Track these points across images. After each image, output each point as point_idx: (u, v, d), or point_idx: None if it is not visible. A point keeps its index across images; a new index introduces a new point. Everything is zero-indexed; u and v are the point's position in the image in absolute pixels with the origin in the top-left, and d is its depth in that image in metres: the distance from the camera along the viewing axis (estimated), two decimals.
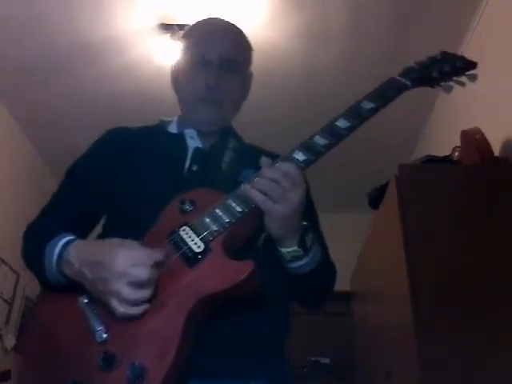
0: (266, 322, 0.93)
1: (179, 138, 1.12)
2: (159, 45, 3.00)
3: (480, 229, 1.77)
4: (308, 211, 0.97)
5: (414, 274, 1.72)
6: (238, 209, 0.89)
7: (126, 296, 0.81)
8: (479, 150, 2.03)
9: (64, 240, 0.93)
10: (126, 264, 0.82)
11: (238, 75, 1.13)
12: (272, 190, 0.87)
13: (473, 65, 1.08)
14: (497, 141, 2.20)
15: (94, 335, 0.82)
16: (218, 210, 0.90)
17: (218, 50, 1.09)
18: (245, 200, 0.89)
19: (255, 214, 0.90)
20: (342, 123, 0.96)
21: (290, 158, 0.92)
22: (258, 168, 0.92)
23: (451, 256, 1.73)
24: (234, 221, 0.89)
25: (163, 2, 2.76)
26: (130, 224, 0.94)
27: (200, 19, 1.21)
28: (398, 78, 1.05)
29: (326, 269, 1.04)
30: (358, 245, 2.70)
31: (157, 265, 0.84)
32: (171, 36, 2.91)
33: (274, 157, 0.94)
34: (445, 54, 1.10)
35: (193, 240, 0.88)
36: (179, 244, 0.89)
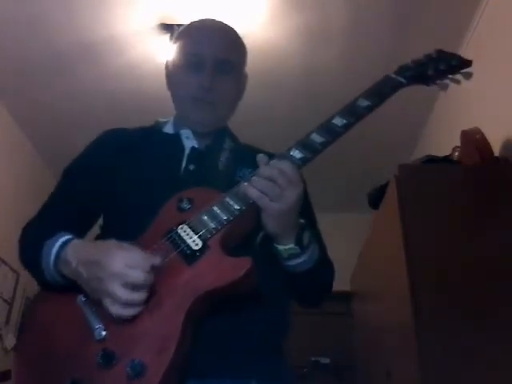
0: (264, 321, 0.93)
1: (175, 138, 1.13)
2: (159, 45, 3.00)
3: (480, 229, 1.77)
4: (305, 210, 0.98)
5: (414, 273, 1.72)
6: (236, 206, 0.90)
7: (119, 296, 0.81)
8: (479, 149, 2.03)
9: (62, 239, 0.93)
10: (122, 265, 0.82)
11: (231, 76, 1.12)
12: (268, 188, 0.87)
13: (468, 63, 1.09)
14: (497, 141, 2.20)
15: (92, 333, 0.82)
16: (215, 208, 0.91)
17: (211, 50, 1.09)
18: (242, 198, 0.90)
19: (252, 212, 0.91)
20: (338, 121, 0.96)
21: (286, 156, 0.92)
22: (254, 167, 0.92)
23: (451, 256, 1.73)
24: (231, 218, 0.89)
25: (163, 2, 2.76)
26: (128, 223, 0.95)
27: (194, 20, 1.21)
28: (394, 75, 1.06)
29: (323, 268, 1.04)
30: (358, 245, 2.70)
31: (153, 269, 0.83)
32: (171, 36, 2.91)
33: (270, 156, 0.94)
34: (440, 52, 1.11)
35: (191, 238, 0.89)
36: (177, 242, 0.89)
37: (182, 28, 1.20)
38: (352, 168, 3.88)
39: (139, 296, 0.82)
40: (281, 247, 0.94)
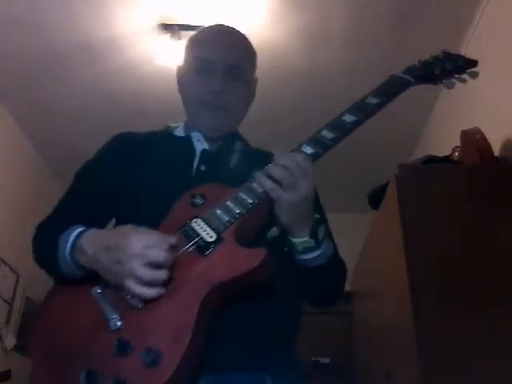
0: (277, 316, 0.94)
1: (186, 140, 1.14)
2: (159, 45, 3.00)
3: (480, 229, 1.77)
4: (315, 209, 0.99)
5: (414, 274, 1.72)
6: (249, 200, 0.91)
7: (142, 276, 0.82)
8: (479, 149, 2.03)
9: (77, 230, 0.95)
10: (141, 246, 0.84)
11: (242, 81, 1.14)
12: (283, 177, 0.89)
13: (474, 63, 1.12)
14: (497, 141, 2.20)
15: (108, 323, 0.83)
16: (228, 202, 0.92)
17: (222, 56, 1.10)
18: (255, 192, 0.92)
19: (265, 207, 0.92)
20: (348, 118, 0.98)
21: (298, 152, 0.94)
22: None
23: (451, 256, 1.73)
24: (244, 211, 0.91)
25: (163, 2, 2.76)
26: (141, 223, 0.95)
27: (205, 24, 1.22)
28: (402, 74, 1.09)
29: (337, 265, 1.05)
30: (358, 245, 2.70)
31: (171, 248, 0.85)
32: (171, 36, 2.91)
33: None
34: (446, 53, 1.13)
35: (205, 230, 0.90)
36: (191, 234, 0.90)
37: (193, 34, 1.24)
38: (352, 168, 3.88)
39: (162, 274, 0.83)
40: (296, 240, 0.94)
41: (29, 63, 3.16)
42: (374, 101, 1.02)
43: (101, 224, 1.10)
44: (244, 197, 0.92)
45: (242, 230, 0.90)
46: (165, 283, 0.83)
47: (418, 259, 1.74)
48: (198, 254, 0.87)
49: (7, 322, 3.54)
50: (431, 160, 2.13)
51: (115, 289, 0.87)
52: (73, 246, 0.93)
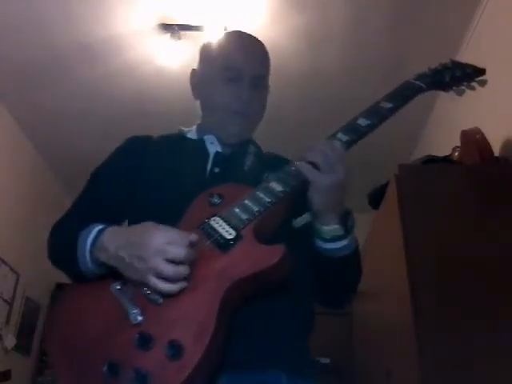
0: (294, 314, 0.95)
1: (199, 143, 1.16)
2: (159, 45, 3.00)
3: (480, 229, 1.77)
4: None
5: (414, 274, 1.72)
6: (267, 199, 0.93)
7: (164, 271, 0.83)
8: (479, 149, 2.03)
9: (97, 228, 0.95)
10: (162, 242, 0.85)
11: (264, 91, 1.18)
12: (321, 159, 0.92)
13: (482, 71, 1.17)
14: (497, 141, 2.20)
15: (128, 318, 0.83)
16: (247, 201, 0.94)
17: (250, 66, 1.13)
18: (273, 192, 0.93)
19: (282, 206, 0.94)
20: (362, 121, 1.01)
21: (334, 138, 0.98)
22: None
23: (451, 256, 1.73)
24: (263, 210, 0.92)
25: (163, 2, 2.76)
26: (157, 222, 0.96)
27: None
28: (413, 80, 1.13)
29: (358, 260, 1.05)
30: None
31: (192, 245, 0.86)
32: (171, 36, 2.91)
33: (288, 163, 0.99)
34: (454, 61, 1.18)
35: (224, 228, 0.91)
36: (210, 232, 0.91)
37: (214, 39, 1.22)
38: (352, 168, 3.88)
39: (183, 270, 0.84)
40: (325, 227, 0.96)
41: (29, 64, 3.16)
42: (387, 105, 1.05)
43: (115, 225, 1.11)
44: (262, 196, 0.94)
45: (260, 227, 0.91)
46: (185, 279, 0.85)
47: (418, 259, 1.74)
48: (218, 251, 0.88)
49: (7, 321, 3.54)
50: (431, 160, 2.13)
51: (134, 285, 0.88)
52: (93, 244, 0.93)
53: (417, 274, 1.72)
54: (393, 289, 1.92)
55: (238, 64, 1.12)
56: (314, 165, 0.92)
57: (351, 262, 1.01)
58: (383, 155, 3.53)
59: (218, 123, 1.15)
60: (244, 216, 0.92)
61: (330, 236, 0.96)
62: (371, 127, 1.01)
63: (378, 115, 1.02)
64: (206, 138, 1.16)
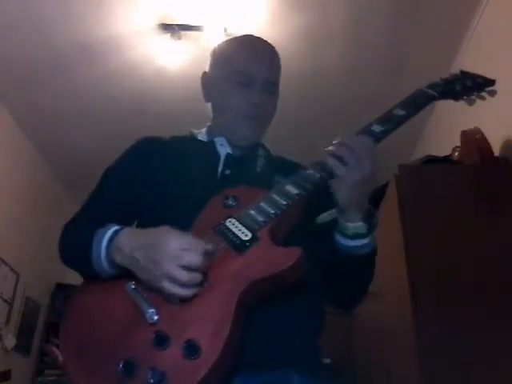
0: (306, 315, 0.96)
1: (209, 145, 1.17)
2: (159, 45, 3.00)
3: (480, 229, 1.77)
4: None
5: (414, 273, 1.72)
6: (283, 201, 0.94)
7: (177, 277, 0.83)
8: (479, 149, 2.03)
9: (113, 228, 0.96)
10: (178, 247, 0.85)
11: (275, 96, 1.19)
12: (348, 155, 0.93)
13: (491, 82, 1.20)
14: (497, 141, 2.20)
15: (144, 317, 0.83)
16: (262, 204, 0.95)
17: (262, 71, 1.14)
18: (288, 194, 0.94)
19: (297, 209, 0.95)
20: (376, 128, 1.03)
21: (367, 130, 1.00)
22: (287, 175, 0.99)
23: (451, 256, 1.73)
24: (279, 212, 0.93)
25: (163, 2, 2.76)
26: (169, 225, 0.95)
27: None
28: (426, 89, 1.15)
29: (374, 262, 1.07)
30: None
31: (206, 254, 0.86)
32: (171, 36, 2.91)
33: (299, 167, 1.00)
34: (464, 72, 1.22)
35: (240, 230, 0.92)
36: (226, 233, 0.92)
37: (226, 42, 1.23)
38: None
39: (196, 277, 0.84)
40: (349, 224, 0.97)
41: (29, 64, 3.16)
42: (400, 112, 1.07)
43: (126, 225, 1.11)
44: (277, 198, 0.94)
45: (276, 229, 0.92)
46: (199, 284, 0.85)
47: (418, 259, 1.74)
48: (234, 252, 0.89)
49: (7, 321, 3.54)
50: (431, 160, 2.13)
51: (149, 286, 0.88)
52: (109, 244, 0.93)
53: (417, 274, 1.72)
54: (393, 289, 1.92)
55: (250, 68, 1.13)
56: (340, 159, 0.93)
57: (369, 261, 1.03)
58: (383, 155, 3.53)
59: (228, 126, 1.15)
60: (260, 218, 0.92)
61: (352, 233, 0.97)
62: (385, 133, 1.03)
63: (391, 122, 1.05)
64: (216, 140, 1.16)
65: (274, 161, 1.20)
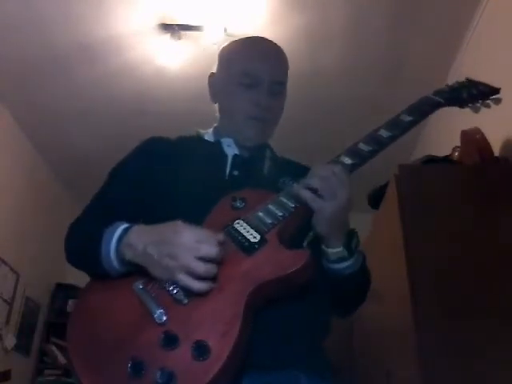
0: (313, 316, 0.97)
1: (217, 145, 1.17)
2: (159, 45, 3.00)
3: (480, 229, 1.77)
4: None
5: (414, 274, 1.72)
6: (291, 204, 0.95)
7: (196, 269, 0.84)
8: (479, 149, 2.03)
9: (123, 226, 0.95)
10: (193, 240, 0.86)
11: (282, 97, 1.19)
12: (322, 187, 0.93)
13: (496, 90, 1.21)
14: (497, 141, 2.20)
15: (152, 317, 0.83)
16: (270, 206, 0.96)
17: (269, 72, 1.14)
18: (296, 197, 0.95)
19: (304, 211, 0.95)
20: (383, 133, 1.05)
21: (337, 162, 1.00)
22: (292, 177, 1.00)
23: (451, 256, 1.73)
24: (287, 214, 0.94)
25: (163, 2, 2.76)
26: None
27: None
28: (432, 96, 1.17)
29: (364, 275, 1.07)
30: None
31: (220, 245, 0.87)
32: (171, 36, 2.92)
33: (305, 169, 1.00)
34: (470, 80, 1.23)
35: (248, 231, 0.92)
36: (234, 235, 0.93)
37: (233, 43, 1.23)
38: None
39: (213, 268, 0.85)
40: (330, 250, 0.98)
41: (29, 64, 3.16)
42: (407, 118, 1.08)
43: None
44: (285, 201, 0.96)
45: (284, 232, 0.93)
46: (213, 279, 0.85)
47: (418, 259, 1.74)
48: (242, 254, 0.89)
49: (7, 322, 3.54)
50: (431, 160, 2.13)
51: (159, 284, 0.88)
52: (119, 241, 0.93)
53: (417, 274, 1.72)
54: (393, 289, 1.92)
55: (256, 69, 1.13)
56: (315, 191, 0.93)
57: (357, 280, 1.03)
58: (383, 155, 3.53)
59: (235, 127, 1.16)
60: (268, 220, 0.93)
61: (334, 258, 0.98)
62: (393, 138, 1.05)
63: (398, 127, 1.06)
64: (223, 140, 1.17)
65: (280, 162, 1.20)
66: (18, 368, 3.59)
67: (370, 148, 1.03)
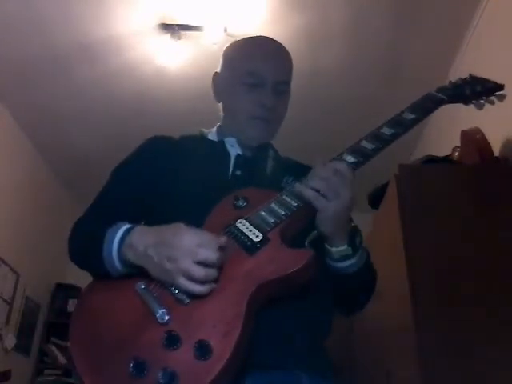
0: (315, 316, 0.97)
1: (220, 145, 1.17)
2: (159, 45, 3.00)
3: (480, 229, 1.77)
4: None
5: (414, 274, 1.72)
6: (294, 203, 0.94)
7: (195, 273, 0.83)
8: (479, 149, 2.03)
9: (125, 226, 0.95)
10: (193, 244, 0.85)
11: (286, 96, 1.19)
12: (325, 187, 0.92)
13: (500, 86, 1.20)
14: (497, 141, 2.20)
15: (154, 317, 0.83)
16: (273, 205, 0.95)
17: (273, 72, 1.13)
18: (299, 196, 0.94)
19: (307, 210, 0.94)
20: (386, 130, 1.04)
21: (340, 160, 0.99)
22: (295, 176, 0.99)
23: (451, 256, 1.73)
24: (289, 213, 0.93)
25: (163, 2, 2.76)
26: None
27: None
28: (435, 93, 1.16)
29: (369, 272, 1.07)
30: None
31: (221, 249, 0.86)
32: (171, 36, 2.92)
33: (307, 169, 0.99)
34: (473, 76, 1.22)
35: (250, 230, 0.92)
36: (237, 234, 0.92)
37: (236, 42, 1.23)
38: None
39: (212, 272, 0.85)
40: (334, 249, 0.97)
41: (29, 64, 3.16)
42: (410, 116, 1.07)
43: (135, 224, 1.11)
44: (288, 200, 0.95)
45: (286, 231, 0.93)
46: (214, 280, 0.85)
47: (418, 259, 1.74)
48: (245, 253, 0.89)
49: (7, 322, 3.54)
50: (431, 160, 2.13)
51: (161, 284, 0.88)
52: (121, 242, 0.93)
53: (417, 274, 1.72)
54: (393, 289, 1.92)
55: (261, 70, 1.13)
56: (319, 190, 0.92)
57: (362, 277, 1.02)
58: (383, 155, 3.53)
59: (238, 126, 1.15)
60: (270, 219, 0.93)
61: (338, 256, 0.98)
62: (395, 136, 1.04)
63: (401, 125, 1.05)
64: (226, 140, 1.16)
65: (283, 162, 1.20)
66: (18, 368, 3.59)
67: (373, 146, 1.02)
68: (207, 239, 0.87)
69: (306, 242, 0.99)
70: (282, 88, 1.15)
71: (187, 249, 0.85)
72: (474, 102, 1.20)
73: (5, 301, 3.53)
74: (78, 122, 3.68)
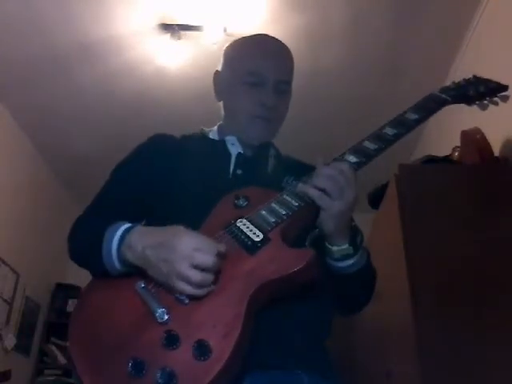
0: (316, 316, 0.97)
1: (221, 144, 1.16)
2: (159, 45, 3.00)
3: (480, 229, 1.77)
4: None
5: (414, 273, 1.72)
6: (295, 203, 0.94)
7: (190, 277, 0.83)
8: (479, 149, 2.03)
9: (125, 226, 0.95)
10: (191, 247, 0.85)
11: (287, 95, 1.19)
12: (329, 186, 0.91)
13: (504, 87, 1.20)
14: (497, 141, 2.20)
15: (154, 316, 0.83)
16: (274, 205, 0.95)
17: (274, 71, 1.13)
18: (301, 196, 0.94)
19: (308, 210, 0.94)
20: (389, 130, 1.03)
21: (343, 160, 0.98)
22: (296, 176, 0.99)
23: (451, 256, 1.73)
24: (290, 213, 0.93)
25: (163, 2, 2.76)
26: (179, 223, 0.95)
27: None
28: (438, 93, 1.15)
29: (369, 272, 1.07)
30: None
31: (219, 255, 0.86)
32: (171, 36, 2.92)
33: (308, 168, 0.99)
34: (477, 77, 1.22)
35: (251, 230, 0.92)
36: (237, 234, 0.92)
37: (237, 41, 1.22)
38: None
39: (209, 277, 0.84)
40: (335, 248, 0.97)
41: (29, 64, 3.16)
42: (413, 116, 1.07)
43: (135, 223, 1.10)
44: (289, 199, 0.95)
45: (287, 230, 0.92)
46: (212, 283, 0.85)
47: (418, 259, 1.74)
48: (245, 253, 0.89)
49: (7, 322, 3.55)
50: (431, 160, 2.13)
51: (160, 284, 0.87)
52: (120, 242, 0.92)
53: (417, 273, 1.72)
54: (393, 289, 1.92)
55: (262, 69, 1.12)
56: (323, 190, 0.92)
57: (362, 277, 1.02)
58: (383, 155, 3.53)
59: (239, 125, 1.15)
60: (271, 219, 0.92)
61: (338, 255, 0.97)
62: (398, 136, 1.03)
63: (403, 125, 1.04)
64: (227, 139, 1.16)
65: (284, 161, 1.20)
66: (18, 368, 3.59)
67: (376, 146, 1.01)
68: (205, 243, 0.86)
69: (307, 242, 0.99)
70: (282, 87, 1.15)
71: (184, 252, 0.84)
72: (477, 102, 1.19)
73: (5, 301, 3.53)
74: (77, 122, 3.68)
